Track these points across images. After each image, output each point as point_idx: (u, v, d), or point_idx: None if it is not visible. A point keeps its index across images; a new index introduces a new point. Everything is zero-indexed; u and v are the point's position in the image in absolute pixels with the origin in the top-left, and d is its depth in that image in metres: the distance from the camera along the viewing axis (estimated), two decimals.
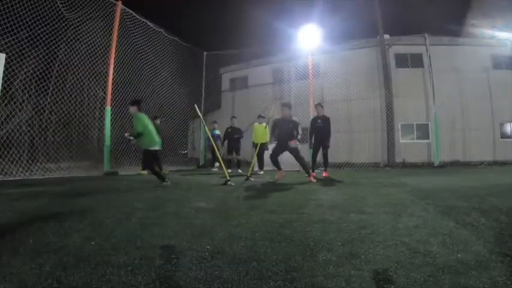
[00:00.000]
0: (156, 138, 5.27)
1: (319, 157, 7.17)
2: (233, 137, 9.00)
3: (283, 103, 6.40)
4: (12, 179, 6.05)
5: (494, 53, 12.32)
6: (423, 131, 12.45)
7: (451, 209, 2.77)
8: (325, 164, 7.14)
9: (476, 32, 12.33)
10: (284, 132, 6.05)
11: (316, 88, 11.89)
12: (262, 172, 8.38)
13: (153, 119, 8.97)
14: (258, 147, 7.74)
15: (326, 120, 7.12)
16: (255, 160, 7.67)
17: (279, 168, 6.12)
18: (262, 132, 8.09)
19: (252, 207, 3.07)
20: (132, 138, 5.15)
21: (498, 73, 12.23)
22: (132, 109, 5.25)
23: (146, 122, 5.16)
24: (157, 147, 5.31)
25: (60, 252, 1.67)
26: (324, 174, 6.97)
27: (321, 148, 7.08)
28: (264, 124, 8.12)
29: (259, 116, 8.50)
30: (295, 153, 6.05)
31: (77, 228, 2.17)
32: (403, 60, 12.88)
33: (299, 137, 6.02)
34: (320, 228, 2.20)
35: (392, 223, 2.31)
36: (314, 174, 6.81)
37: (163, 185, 5.06)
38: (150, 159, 5.36)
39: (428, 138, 12.28)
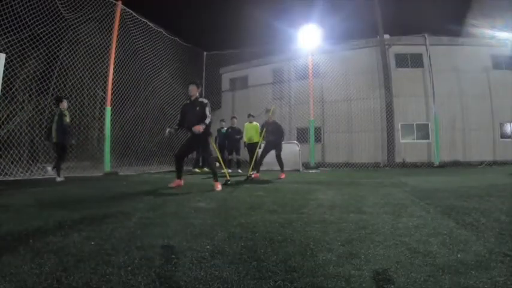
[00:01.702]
0: None
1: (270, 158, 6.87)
2: (234, 137, 8.98)
3: (191, 81, 4.90)
4: (12, 179, 6.06)
5: (494, 53, 12.32)
6: (423, 131, 12.44)
7: (451, 209, 2.77)
8: (280, 165, 6.83)
9: (476, 32, 12.34)
10: (191, 117, 4.66)
11: (316, 88, 11.93)
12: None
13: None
14: (257, 147, 7.73)
15: (277, 129, 6.67)
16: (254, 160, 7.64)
17: (179, 176, 4.81)
18: (253, 130, 8.08)
19: (252, 207, 3.07)
20: None
21: (498, 73, 12.23)
22: None
23: None
24: None
25: (60, 252, 1.67)
26: (281, 176, 6.63)
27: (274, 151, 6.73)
28: (255, 123, 8.10)
29: (249, 115, 8.47)
30: (202, 143, 4.76)
31: (77, 228, 2.16)
32: (403, 60, 12.88)
33: (207, 121, 4.58)
34: (320, 228, 2.20)
35: (393, 223, 2.31)
36: (258, 175, 6.65)
37: None
38: None
39: (428, 138, 12.28)
